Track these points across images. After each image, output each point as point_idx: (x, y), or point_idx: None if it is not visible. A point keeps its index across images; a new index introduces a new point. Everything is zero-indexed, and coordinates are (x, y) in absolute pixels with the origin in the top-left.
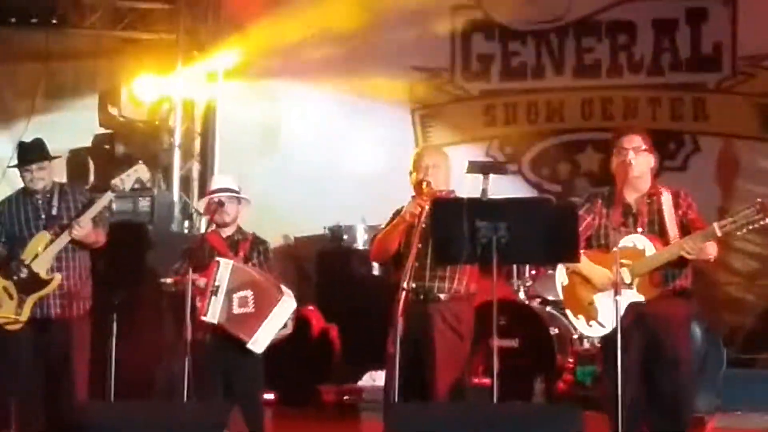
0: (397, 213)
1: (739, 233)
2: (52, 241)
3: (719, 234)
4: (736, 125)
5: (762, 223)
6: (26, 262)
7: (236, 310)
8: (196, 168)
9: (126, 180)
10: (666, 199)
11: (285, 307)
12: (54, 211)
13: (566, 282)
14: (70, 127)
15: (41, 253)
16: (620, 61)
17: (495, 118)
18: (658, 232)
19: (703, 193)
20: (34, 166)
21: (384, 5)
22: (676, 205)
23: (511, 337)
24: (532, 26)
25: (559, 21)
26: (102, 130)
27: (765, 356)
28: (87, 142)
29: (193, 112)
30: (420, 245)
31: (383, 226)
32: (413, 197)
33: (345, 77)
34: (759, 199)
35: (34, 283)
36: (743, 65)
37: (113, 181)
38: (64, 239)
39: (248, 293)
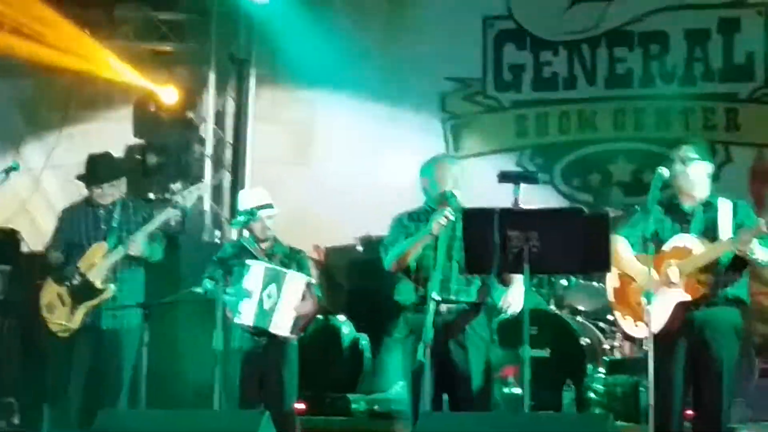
0: (399, 222)
1: None
2: (108, 253)
3: (765, 230)
4: None
5: None
6: (81, 270)
7: (266, 305)
8: (227, 178)
9: (187, 196)
10: (723, 207)
11: (294, 282)
12: (115, 223)
13: (617, 284)
14: (101, 138)
15: (97, 263)
16: (652, 71)
17: (527, 128)
18: (711, 237)
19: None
20: (105, 184)
21: (416, 15)
22: (734, 213)
23: (541, 346)
24: (564, 37)
25: (592, 31)
26: (134, 141)
27: None
28: (119, 153)
29: (224, 123)
30: (446, 256)
31: (388, 235)
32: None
33: (377, 87)
34: None
35: (88, 291)
36: None
37: (174, 197)
38: (120, 251)
39: (273, 287)
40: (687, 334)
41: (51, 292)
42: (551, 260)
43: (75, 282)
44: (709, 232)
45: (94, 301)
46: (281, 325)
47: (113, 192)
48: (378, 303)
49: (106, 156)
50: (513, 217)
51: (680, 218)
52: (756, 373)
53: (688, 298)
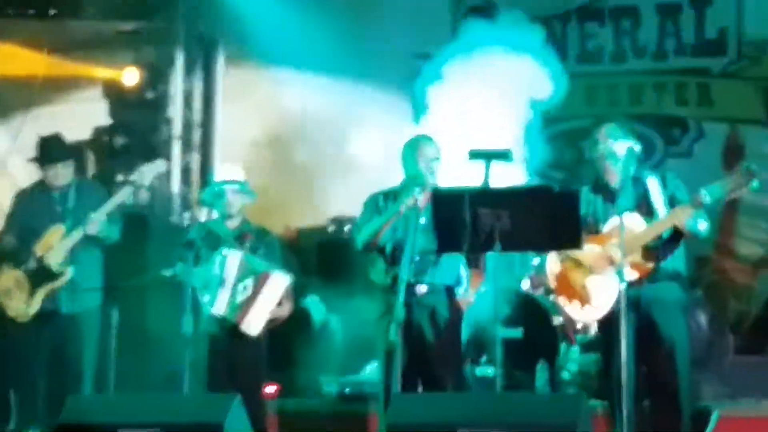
0: (372, 201)
1: (726, 198)
2: (66, 235)
3: (708, 200)
4: (741, 110)
5: (747, 187)
6: (38, 254)
7: (239, 299)
8: (196, 159)
9: (145, 174)
10: (651, 181)
11: (276, 284)
12: (70, 205)
13: (557, 269)
14: (68, 120)
15: (55, 246)
16: (624, 47)
17: None
18: (645, 213)
19: (708, 178)
20: (59, 165)
21: None
22: (663, 186)
23: (514, 327)
24: (534, 12)
25: (562, 7)
26: (101, 123)
27: None
28: (86, 135)
29: (192, 103)
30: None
31: (361, 214)
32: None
33: (346, 66)
34: (744, 163)
35: (46, 275)
36: (748, 50)
37: (132, 176)
38: (78, 234)
39: (249, 281)
40: (633, 312)
41: (8, 278)
42: (522, 238)
43: (32, 266)
44: (643, 208)
45: (53, 285)
46: (253, 326)
47: (66, 173)
48: (350, 284)
49: (57, 137)
50: (483, 196)
51: (610, 197)
52: (731, 350)
53: (635, 276)
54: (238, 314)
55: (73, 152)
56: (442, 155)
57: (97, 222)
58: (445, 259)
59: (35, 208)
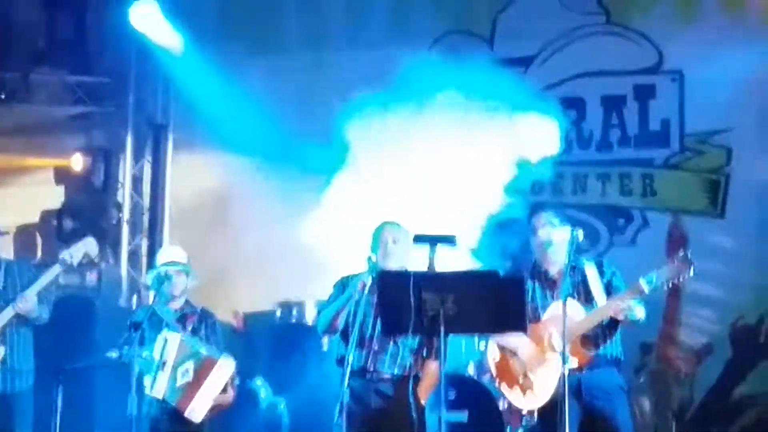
0: (340, 284)
1: (665, 287)
2: None
3: (645, 289)
4: (684, 201)
5: (684, 276)
6: None
7: (179, 382)
8: (144, 243)
9: (74, 253)
10: (589, 267)
11: (221, 372)
12: (0, 285)
13: (498, 357)
14: (17, 203)
15: None
16: (569, 137)
17: None
18: (584, 300)
19: (652, 267)
20: None
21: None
22: (600, 273)
23: (459, 410)
24: None
25: None
26: (49, 206)
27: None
28: (35, 218)
29: (141, 187)
30: (364, 320)
31: (327, 298)
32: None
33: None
34: (681, 253)
35: None
36: (690, 142)
37: (61, 255)
38: (8, 313)
39: (190, 364)
40: (574, 399)
41: None
42: (467, 322)
43: None
44: (581, 296)
45: None
46: (197, 412)
47: None
48: (297, 367)
49: None
50: (428, 279)
51: (548, 284)
52: None
53: (575, 364)
54: (179, 398)
55: None
56: (404, 239)
57: (27, 301)
58: (402, 346)
59: None
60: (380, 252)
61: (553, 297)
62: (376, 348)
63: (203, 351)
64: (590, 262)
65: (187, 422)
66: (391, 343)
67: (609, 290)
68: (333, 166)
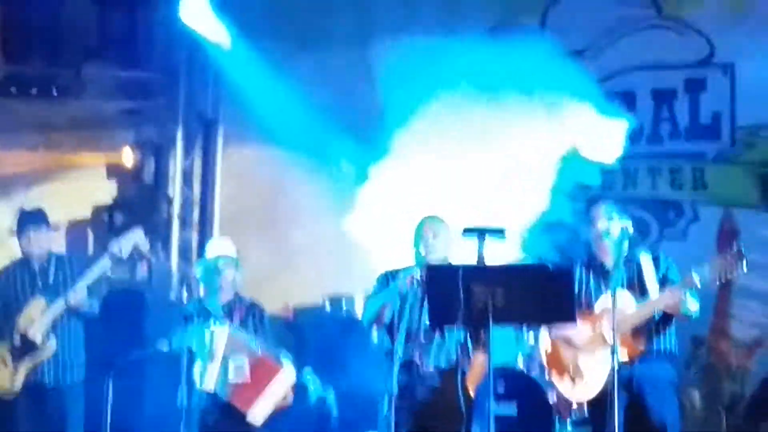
0: (383, 278)
1: (717, 282)
2: (47, 308)
3: (697, 283)
4: (735, 194)
5: (736, 270)
6: (21, 329)
7: (233, 379)
8: (195, 237)
9: (124, 245)
10: (645, 260)
11: (284, 380)
12: (51, 279)
13: (550, 349)
14: (69, 198)
15: (36, 321)
16: None
17: None
18: (638, 292)
19: (703, 261)
20: (31, 233)
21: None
22: (656, 266)
23: (508, 403)
24: None
25: None
26: (100, 201)
27: (766, 425)
28: (86, 213)
29: (192, 182)
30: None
31: (371, 292)
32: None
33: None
34: (733, 247)
35: (29, 349)
36: (742, 135)
37: (111, 247)
38: (59, 306)
39: (244, 362)
40: (625, 392)
41: None
42: (516, 314)
43: (15, 342)
44: (635, 288)
45: (36, 359)
46: (259, 417)
47: (40, 241)
48: (346, 360)
49: (36, 209)
50: (477, 273)
51: (603, 276)
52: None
53: (624, 357)
54: (236, 397)
55: (46, 221)
56: (444, 232)
57: (78, 294)
58: (449, 338)
59: (17, 283)
60: (421, 246)
61: (607, 289)
62: (423, 341)
63: (256, 348)
64: (647, 254)
65: (238, 417)
66: (438, 336)
67: (664, 283)
68: (378, 159)
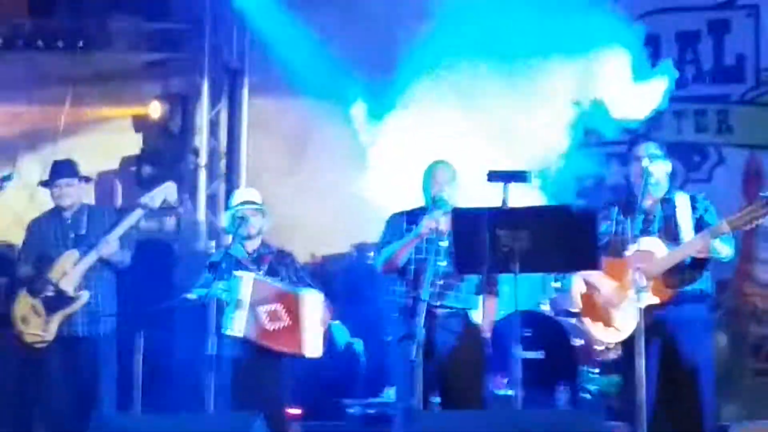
0: (392, 222)
1: (747, 227)
2: (80, 260)
3: (727, 229)
4: (760, 136)
5: (767, 217)
6: (54, 280)
7: (269, 325)
8: (222, 188)
9: (155, 197)
10: (682, 202)
11: (311, 303)
12: (83, 230)
13: (584, 290)
14: (96, 150)
15: (69, 271)
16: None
17: None
18: (673, 235)
19: (728, 204)
20: (62, 182)
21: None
22: (693, 208)
23: (535, 348)
24: None
25: None
26: (128, 153)
27: None
28: (114, 165)
29: (218, 132)
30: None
31: (382, 235)
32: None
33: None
34: (764, 193)
35: (62, 300)
36: (766, 77)
37: (142, 199)
38: (92, 257)
39: (277, 306)
40: (657, 333)
41: (25, 305)
42: (541, 259)
43: (48, 293)
44: (671, 230)
45: (68, 310)
46: (314, 347)
47: (71, 193)
48: (372, 308)
49: (67, 160)
50: (502, 216)
51: (639, 218)
52: (749, 372)
53: (655, 300)
54: (277, 341)
55: (77, 172)
56: (456, 178)
57: (110, 245)
58: (466, 282)
59: (48, 234)
60: (433, 191)
61: (643, 230)
62: (442, 284)
63: (283, 288)
64: (684, 195)
65: (270, 363)
66: (457, 280)
67: (700, 226)
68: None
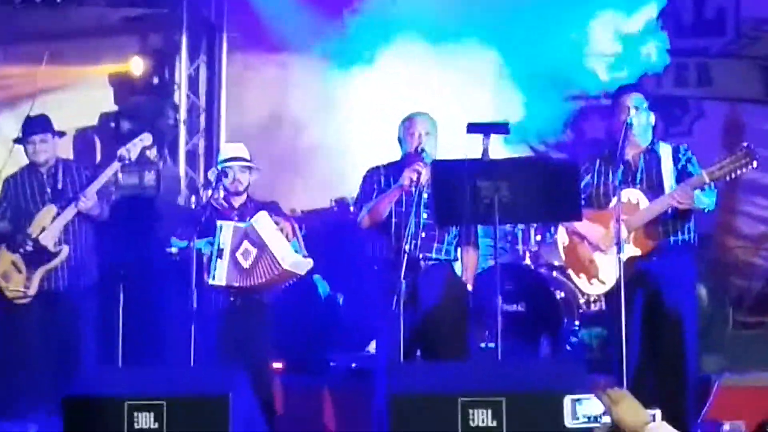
0: (369, 178)
1: (727, 178)
2: (58, 214)
3: (707, 180)
4: (740, 89)
5: (747, 167)
6: (33, 236)
7: (245, 264)
8: (201, 143)
9: (132, 149)
10: (665, 153)
11: (262, 222)
12: (59, 185)
13: (567, 242)
14: (75, 107)
15: (48, 227)
16: None
17: None
18: (655, 186)
19: (709, 157)
20: (36, 138)
21: None
22: (675, 159)
23: (517, 301)
24: None
25: None
26: (107, 109)
27: None
28: (93, 121)
29: (197, 88)
30: (417, 210)
31: (360, 189)
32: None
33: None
34: (744, 144)
35: (42, 256)
36: (747, 29)
37: (119, 151)
38: (70, 212)
39: (244, 244)
40: (641, 286)
41: (5, 261)
42: (522, 210)
43: (28, 248)
44: (653, 181)
45: (49, 265)
46: (290, 260)
47: (46, 148)
48: (354, 262)
49: (40, 115)
50: (482, 167)
51: (622, 169)
52: (730, 323)
53: (637, 252)
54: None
55: (51, 128)
56: (435, 131)
57: (88, 199)
58: (450, 234)
59: (25, 190)
60: (410, 143)
61: (625, 181)
62: (424, 236)
63: (242, 226)
64: (667, 146)
65: (253, 314)
66: (436, 231)
67: (682, 177)
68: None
